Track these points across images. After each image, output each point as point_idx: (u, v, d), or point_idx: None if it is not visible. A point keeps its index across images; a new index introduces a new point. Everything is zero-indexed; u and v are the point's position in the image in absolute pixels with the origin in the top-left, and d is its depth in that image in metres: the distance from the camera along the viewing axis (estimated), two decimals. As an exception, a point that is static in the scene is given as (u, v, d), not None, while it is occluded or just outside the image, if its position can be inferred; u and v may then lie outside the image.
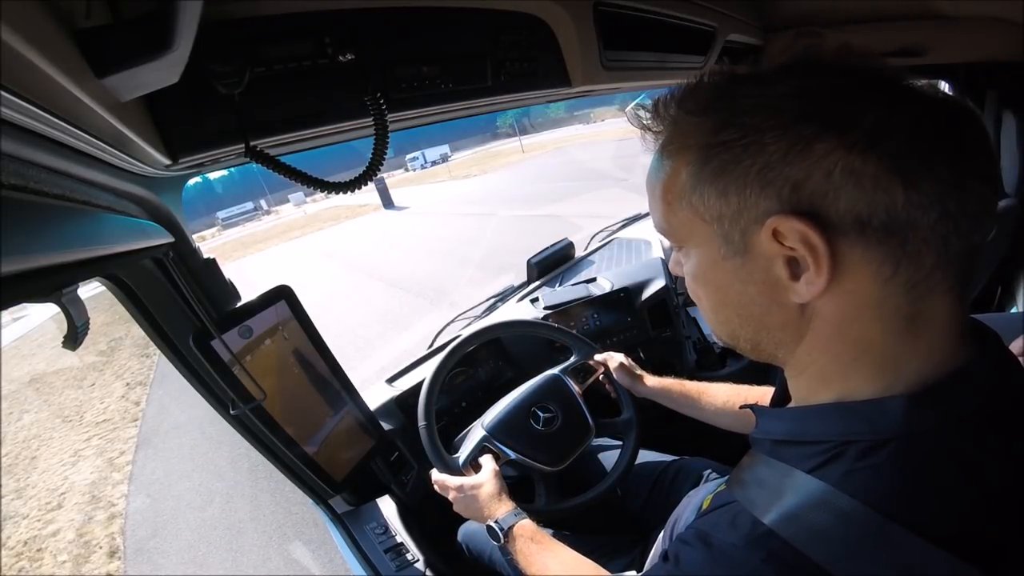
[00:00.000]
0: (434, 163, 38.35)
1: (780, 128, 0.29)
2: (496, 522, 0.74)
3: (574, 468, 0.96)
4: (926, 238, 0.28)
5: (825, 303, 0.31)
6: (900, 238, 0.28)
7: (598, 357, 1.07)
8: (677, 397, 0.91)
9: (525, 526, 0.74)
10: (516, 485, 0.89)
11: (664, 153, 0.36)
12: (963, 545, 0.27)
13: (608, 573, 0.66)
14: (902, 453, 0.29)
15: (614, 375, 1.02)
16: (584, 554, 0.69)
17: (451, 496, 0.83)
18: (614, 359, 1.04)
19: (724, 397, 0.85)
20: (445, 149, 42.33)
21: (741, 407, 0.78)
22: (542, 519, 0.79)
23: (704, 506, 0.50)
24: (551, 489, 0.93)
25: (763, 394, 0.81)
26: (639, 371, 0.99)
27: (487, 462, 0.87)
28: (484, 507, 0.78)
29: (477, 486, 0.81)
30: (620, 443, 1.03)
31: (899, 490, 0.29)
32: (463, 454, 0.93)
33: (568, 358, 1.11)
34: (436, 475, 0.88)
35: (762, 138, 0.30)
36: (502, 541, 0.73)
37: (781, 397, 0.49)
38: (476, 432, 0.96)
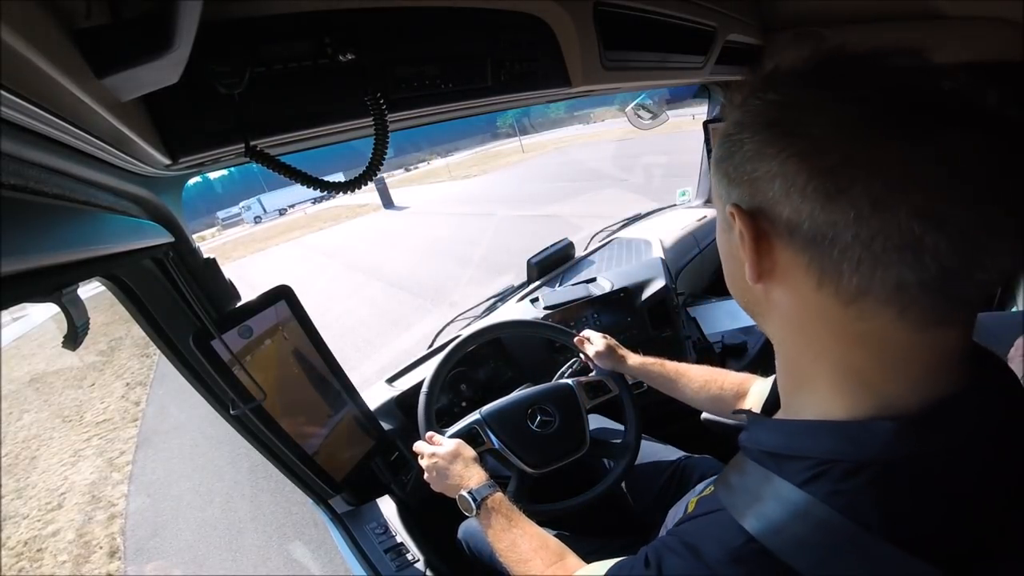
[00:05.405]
0: (281, 211, 28.20)
1: (752, 130, 0.33)
2: (470, 492, 0.75)
3: (552, 475, 0.95)
4: (847, 257, 0.29)
5: (777, 293, 0.35)
6: (821, 250, 0.30)
7: (578, 338, 1.04)
8: (657, 377, 0.92)
9: (498, 499, 0.74)
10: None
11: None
12: (941, 560, 0.28)
13: (573, 553, 0.66)
14: (883, 476, 0.30)
15: (596, 360, 1.01)
16: (585, 555, 0.69)
17: (426, 463, 0.83)
18: (591, 345, 1.01)
19: (701, 381, 0.87)
20: (289, 198, 28.66)
21: (735, 412, 0.78)
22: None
23: (690, 508, 0.50)
24: (522, 488, 0.93)
25: (741, 381, 0.82)
26: (621, 351, 0.99)
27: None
28: (458, 476, 0.79)
29: (454, 454, 0.81)
30: (610, 464, 1.02)
31: (884, 512, 0.30)
32: (451, 429, 0.94)
33: (569, 359, 1.11)
34: (418, 442, 0.88)
35: (742, 137, 0.33)
36: (474, 512, 0.74)
37: (773, 403, 0.51)
38: (472, 415, 0.96)
